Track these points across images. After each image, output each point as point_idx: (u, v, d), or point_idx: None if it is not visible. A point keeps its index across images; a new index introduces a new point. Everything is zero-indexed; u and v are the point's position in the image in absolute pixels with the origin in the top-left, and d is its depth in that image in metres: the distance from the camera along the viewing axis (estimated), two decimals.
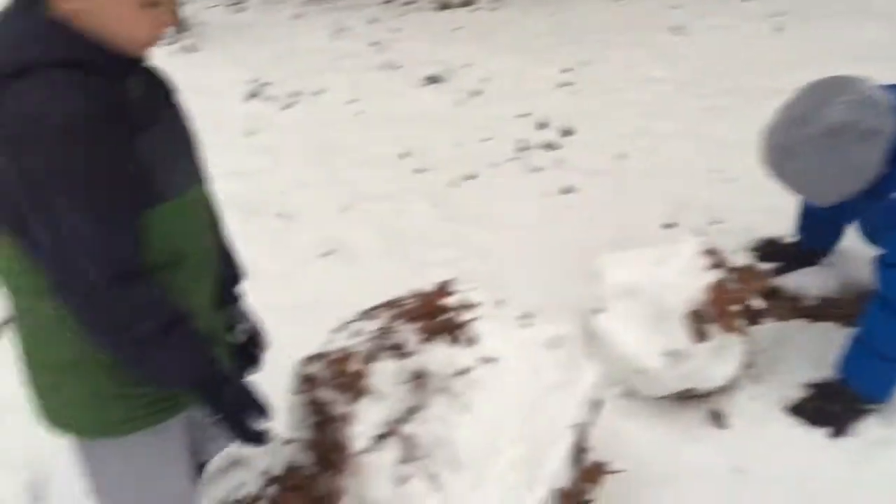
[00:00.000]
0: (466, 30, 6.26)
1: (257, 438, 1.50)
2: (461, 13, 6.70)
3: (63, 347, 1.36)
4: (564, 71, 5.05)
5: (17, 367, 1.50)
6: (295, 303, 2.94)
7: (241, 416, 1.47)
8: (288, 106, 4.95)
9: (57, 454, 2.28)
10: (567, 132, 4.27)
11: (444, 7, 6.82)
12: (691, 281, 2.40)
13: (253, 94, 5.11)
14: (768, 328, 2.63)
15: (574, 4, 6.51)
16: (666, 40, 5.41)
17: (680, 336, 2.33)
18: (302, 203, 3.76)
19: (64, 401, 1.44)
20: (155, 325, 1.29)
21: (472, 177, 3.92)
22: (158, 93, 1.42)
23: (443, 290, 1.97)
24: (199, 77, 5.03)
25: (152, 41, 1.30)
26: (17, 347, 1.47)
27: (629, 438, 2.33)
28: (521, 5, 6.68)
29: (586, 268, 2.73)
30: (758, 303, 2.47)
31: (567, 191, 3.70)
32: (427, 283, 2.04)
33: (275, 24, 6.68)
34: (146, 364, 1.34)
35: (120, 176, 1.23)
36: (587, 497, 1.96)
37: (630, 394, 2.48)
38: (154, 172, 1.29)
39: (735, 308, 2.35)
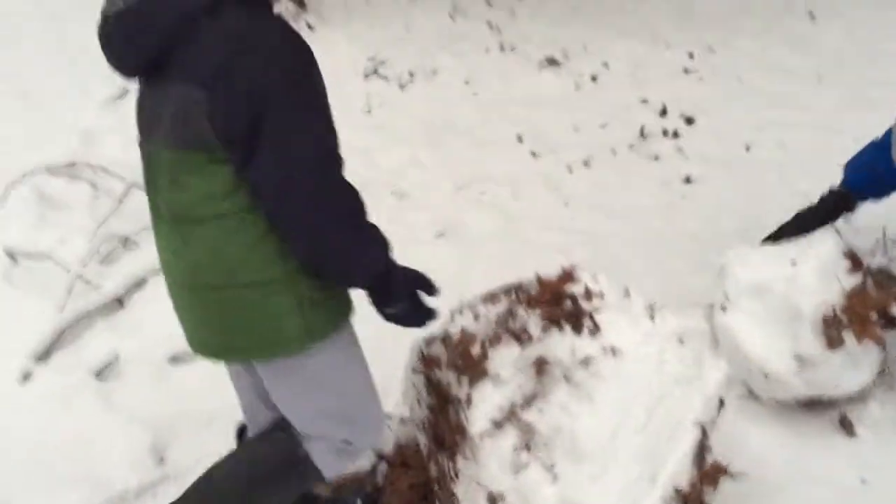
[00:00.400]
0: (585, 12, 6.12)
1: (432, 315, 1.61)
2: None
3: (272, 264, 1.46)
4: (688, 56, 4.88)
5: (198, 308, 1.55)
6: None
7: (415, 295, 1.57)
8: (404, 85, 4.97)
9: (177, 419, 2.38)
10: (689, 120, 4.13)
11: None
12: (828, 284, 2.27)
13: (371, 73, 5.16)
14: None
15: None
16: (800, 27, 5.15)
17: (811, 341, 2.22)
18: (416, 182, 3.78)
19: (268, 315, 1.50)
20: (363, 209, 1.45)
21: (589, 162, 3.85)
22: None
23: (567, 276, 1.93)
24: (318, 54, 5.07)
25: None
26: (205, 281, 1.50)
27: (749, 441, 2.24)
28: None
29: (707, 260, 2.65)
30: None
31: (688, 180, 3.59)
32: (542, 267, 2.01)
33: (392, 2, 6.71)
34: (356, 250, 1.45)
35: (324, 89, 1.42)
36: (705, 499, 1.90)
37: (752, 395, 2.39)
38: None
39: (874, 316, 2.22)
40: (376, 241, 1.49)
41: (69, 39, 5.97)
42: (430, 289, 1.59)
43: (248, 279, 1.47)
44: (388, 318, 1.58)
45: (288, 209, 1.38)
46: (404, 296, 1.55)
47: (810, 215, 2.54)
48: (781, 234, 2.58)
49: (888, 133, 2.44)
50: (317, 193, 1.37)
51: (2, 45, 5.90)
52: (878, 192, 2.54)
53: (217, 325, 1.54)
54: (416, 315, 1.60)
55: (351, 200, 1.43)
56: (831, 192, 2.55)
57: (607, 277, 1.98)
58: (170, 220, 1.51)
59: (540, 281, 1.94)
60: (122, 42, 1.41)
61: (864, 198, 2.54)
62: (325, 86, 1.42)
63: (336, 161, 1.42)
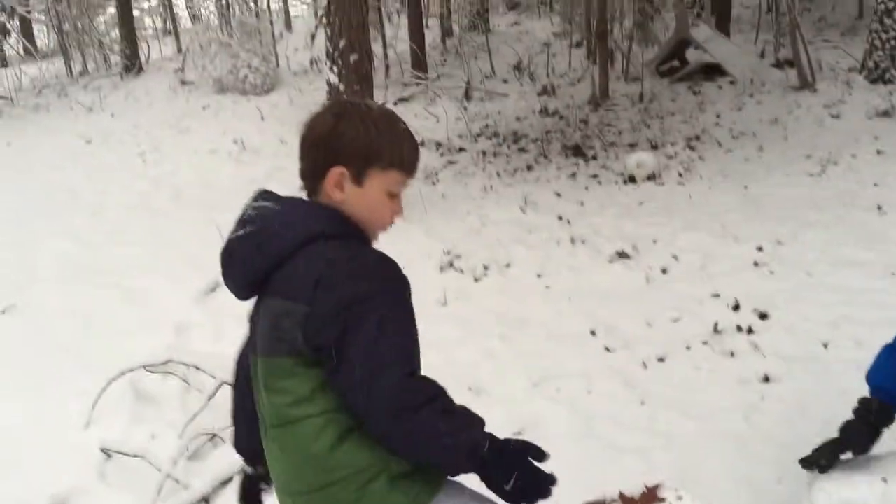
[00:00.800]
0: (652, 204, 6.34)
1: (552, 480, 1.53)
2: (647, 186, 6.82)
3: (359, 454, 1.51)
4: (757, 250, 4.97)
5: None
6: None
7: (529, 464, 1.52)
8: (479, 278, 5.17)
9: None
10: (763, 315, 4.16)
11: (630, 181, 6.98)
12: None
13: (447, 266, 5.39)
14: None
15: (765, 179, 6.47)
16: (868, 219, 5.23)
17: None
18: (492, 377, 3.85)
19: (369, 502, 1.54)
20: (444, 400, 1.47)
21: (664, 358, 3.88)
22: None
23: (651, 496, 1.93)
24: (399, 247, 5.36)
25: (388, 226, 1.63)
26: (301, 486, 1.57)
27: None
28: (710, 179, 6.72)
29: (791, 467, 2.59)
30: None
31: (766, 379, 3.56)
32: (622, 472, 2.01)
33: (466, 196, 7.08)
34: (449, 435, 1.46)
35: (412, 310, 1.52)
36: None
37: None
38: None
39: None
40: (470, 420, 1.51)
41: (165, 234, 6.46)
42: (541, 454, 1.55)
43: (338, 476, 1.52)
44: (509, 497, 1.52)
45: (376, 409, 1.44)
46: (518, 466, 1.52)
47: (854, 433, 2.40)
48: (823, 455, 2.46)
49: None
50: (401, 389, 1.43)
51: (108, 240, 6.41)
52: None
53: None
54: (536, 483, 1.53)
55: (433, 389, 1.48)
56: (863, 405, 2.42)
57: (692, 497, 1.97)
58: (269, 428, 1.61)
59: (623, 499, 1.95)
60: (238, 265, 1.58)
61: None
62: (413, 308, 1.53)
63: (414, 366, 1.50)
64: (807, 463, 2.49)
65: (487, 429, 1.53)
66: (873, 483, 2.29)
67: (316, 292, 1.46)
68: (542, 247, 5.56)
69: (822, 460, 2.45)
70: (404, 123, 1.61)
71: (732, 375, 3.64)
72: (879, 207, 5.38)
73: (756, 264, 4.80)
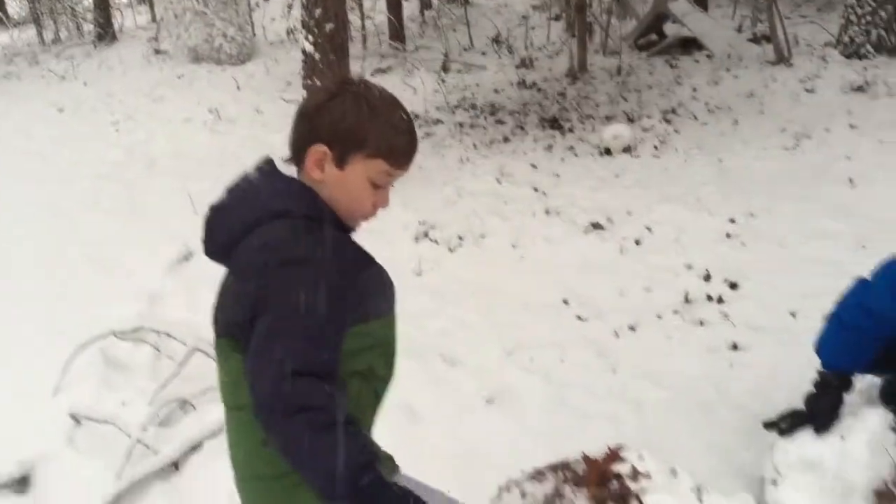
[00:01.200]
0: (628, 176, 6.35)
1: None
2: (623, 159, 6.82)
3: (273, 463, 1.43)
4: (730, 222, 5.01)
5: (247, 496, 1.59)
6: (459, 451, 2.99)
7: None
8: (454, 248, 5.16)
9: None
10: (734, 285, 4.20)
11: (606, 153, 6.98)
12: (879, 457, 2.27)
13: (422, 236, 5.38)
14: None
15: (740, 152, 6.50)
16: (840, 192, 5.27)
17: None
18: (465, 347, 3.86)
19: None
20: (329, 418, 1.31)
21: (635, 327, 3.91)
22: None
23: (613, 456, 1.96)
24: (374, 218, 5.33)
25: (369, 216, 1.54)
26: (244, 471, 1.56)
27: None
28: (685, 152, 6.74)
29: (758, 431, 2.64)
30: None
31: (735, 347, 3.61)
32: (590, 438, 2.04)
33: (443, 167, 7.04)
34: (311, 455, 1.32)
35: (337, 305, 1.39)
36: None
37: None
38: (368, 298, 1.48)
39: None
40: (351, 449, 1.32)
41: (138, 203, 6.40)
42: None
43: (269, 472, 1.49)
44: None
45: (255, 405, 1.34)
46: None
47: (818, 411, 2.47)
48: (785, 420, 2.55)
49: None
50: (278, 389, 1.32)
51: (80, 208, 6.34)
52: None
53: None
54: None
55: (318, 400, 1.32)
56: (824, 379, 2.50)
57: (654, 456, 2.00)
58: (224, 407, 1.58)
59: (587, 460, 1.98)
60: (208, 232, 1.55)
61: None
62: (346, 310, 1.41)
63: (308, 368, 1.33)
64: (769, 426, 2.55)
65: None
66: (832, 440, 2.34)
67: (246, 274, 1.42)
68: (518, 218, 5.56)
69: (782, 424, 2.51)
70: (407, 114, 1.51)
71: (702, 344, 3.69)
72: (851, 181, 5.43)
73: (728, 236, 4.84)
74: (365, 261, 1.50)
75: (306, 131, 1.48)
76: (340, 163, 1.47)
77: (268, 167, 1.54)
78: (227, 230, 1.50)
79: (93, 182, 7.10)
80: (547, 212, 5.62)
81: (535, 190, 6.15)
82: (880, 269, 2.45)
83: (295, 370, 1.32)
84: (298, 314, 1.35)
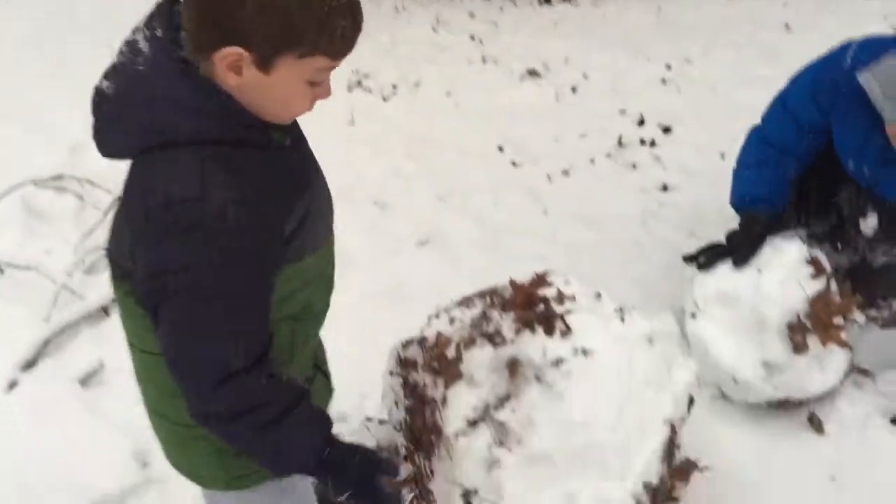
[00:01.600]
0: (566, 24, 6.22)
1: (393, 501, 1.46)
2: (562, 7, 6.66)
3: (181, 413, 1.30)
4: (666, 68, 4.98)
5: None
6: (390, 289, 3.02)
7: (372, 485, 1.39)
8: (388, 97, 5.04)
9: None
10: (666, 129, 4.22)
11: (546, 2, 6.80)
12: (792, 291, 2.34)
13: (355, 85, 5.22)
14: (873, 335, 2.55)
15: (678, 0, 6.39)
16: (775, 38, 5.27)
17: (778, 347, 2.29)
18: (398, 192, 3.83)
19: (189, 455, 1.47)
20: (271, 412, 1.24)
21: (568, 171, 3.92)
22: (303, 147, 1.36)
23: (540, 281, 1.98)
24: None
25: (304, 112, 1.25)
26: (143, 395, 1.48)
27: (720, 440, 2.31)
28: (625, 1, 6.60)
29: (682, 267, 2.71)
30: (860, 316, 2.39)
31: (665, 188, 3.66)
32: (520, 274, 2.06)
33: (377, 16, 6.78)
34: (263, 451, 1.31)
35: (260, 267, 1.19)
36: (675, 494, 1.96)
37: (723, 396, 2.46)
38: (302, 233, 1.26)
39: (838, 321, 2.29)
40: (302, 429, 1.28)
41: (59, 57, 6.03)
42: (391, 468, 1.44)
43: (176, 418, 1.37)
44: None
45: (194, 416, 1.26)
46: (356, 484, 1.35)
47: (738, 243, 2.52)
48: (704, 254, 2.60)
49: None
50: (208, 400, 1.22)
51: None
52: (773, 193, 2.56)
53: (162, 443, 1.52)
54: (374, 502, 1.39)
55: (255, 398, 1.23)
56: (751, 217, 2.55)
57: (579, 281, 2.03)
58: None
59: (514, 285, 2.00)
60: (99, 130, 1.22)
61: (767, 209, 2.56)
62: (259, 273, 1.20)
63: (231, 368, 1.19)
64: (689, 259, 2.60)
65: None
66: (748, 274, 2.41)
67: (137, 227, 1.16)
68: (453, 66, 5.42)
69: (701, 258, 2.56)
70: None
71: (633, 186, 3.73)
72: (787, 26, 5.42)
73: (664, 81, 4.82)
74: (298, 189, 1.25)
75: (210, 28, 1.08)
76: (264, 66, 1.11)
77: (152, 43, 1.14)
78: (122, 133, 1.18)
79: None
80: (483, 60, 5.50)
81: (472, 38, 5.99)
82: (794, 77, 2.48)
83: (221, 377, 1.17)
84: (211, 303, 1.14)
